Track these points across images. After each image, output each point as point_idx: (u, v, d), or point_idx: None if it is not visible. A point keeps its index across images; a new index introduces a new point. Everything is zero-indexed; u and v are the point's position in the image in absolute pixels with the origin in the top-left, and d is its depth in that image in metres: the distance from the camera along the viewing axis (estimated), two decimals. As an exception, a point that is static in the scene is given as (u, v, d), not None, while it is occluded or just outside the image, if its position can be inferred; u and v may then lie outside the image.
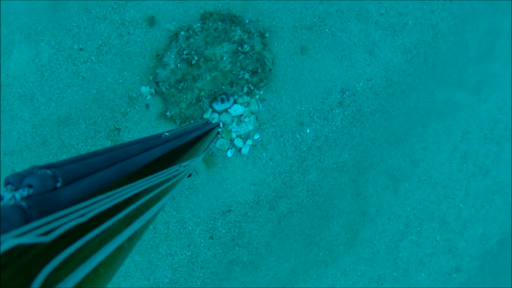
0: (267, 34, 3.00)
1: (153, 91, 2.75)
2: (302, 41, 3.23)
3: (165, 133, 1.11)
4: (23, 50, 2.72)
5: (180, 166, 1.03)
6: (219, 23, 2.71)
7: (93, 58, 2.76)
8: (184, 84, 2.63)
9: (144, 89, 2.74)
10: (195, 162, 1.34)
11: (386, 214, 3.41)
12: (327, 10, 3.33)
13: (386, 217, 3.41)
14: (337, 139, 3.33)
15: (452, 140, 3.64)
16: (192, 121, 2.84)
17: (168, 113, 2.74)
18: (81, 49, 2.75)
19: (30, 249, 0.38)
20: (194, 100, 2.66)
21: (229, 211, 3.11)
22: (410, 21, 3.59)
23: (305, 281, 3.19)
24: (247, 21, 2.87)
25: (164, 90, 2.70)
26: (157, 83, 2.73)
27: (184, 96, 2.65)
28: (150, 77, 2.78)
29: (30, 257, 0.38)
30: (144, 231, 0.73)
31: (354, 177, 3.31)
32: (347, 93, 3.36)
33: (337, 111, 3.34)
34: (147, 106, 2.78)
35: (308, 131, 3.26)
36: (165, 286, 2.91)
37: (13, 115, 2.69)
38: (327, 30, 3.32)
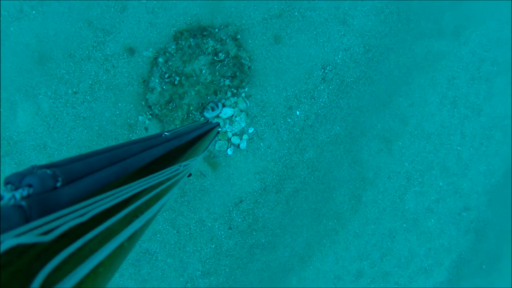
0: (239, 36, 3.38)
1: (149, 116, 3.25)
2: (274, 31, 3.59)
3: (165, 133, 1.17)
4: (25, 107, 3.23)
5: (180, 166, 1.09)
6: (191, 39, 3.13)
7: (88, 97, 3.25)
8: (173, 104, 3.11)
9: (141, 118, 3.24)
10: (195, 162, 1.41)
11: (385, 174, 3.89)
12: (292, -7, 3.65)
13: (385, 177, 3.90)
14: (326, 114, 3.76)
15: (438, 90, 4.01)
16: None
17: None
18: (75, 93, 3.24)
19: (30, 248, 0.40)
20: (186, 115, 3.14)
21: (241, 201, 3.67)
22: (377, -19, 3.87)
23: (320, 250, 3.79)
24: (216, 30, 3.26)
25: (157, 112, 3.18)
26: (149, 107, 3.22)
27: (176, 114, 3.13)
28: (143, 103, 3.26)
29: (30, 257, 0.40)
30: (144, 230, 0.76)
31: (348, 147, 3.78)
32: (328, 68, 3.74)
33: (322, 87, 3.74)
34: (146, 129, 3.29)
35: (298, 113, 3.70)
36: (199, 279, 3.57)
37: (34, 164, 3.25)
38: (296, 13, 3.65)
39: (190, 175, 1.43)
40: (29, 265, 0.39)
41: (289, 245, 3.74)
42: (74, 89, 3.27)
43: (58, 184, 0.56)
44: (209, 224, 3.56)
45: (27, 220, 0.47)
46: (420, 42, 3.96)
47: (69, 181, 0.59)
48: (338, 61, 3.74)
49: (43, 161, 3.28)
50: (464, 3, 4.08)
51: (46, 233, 0.44)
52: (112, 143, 3.27)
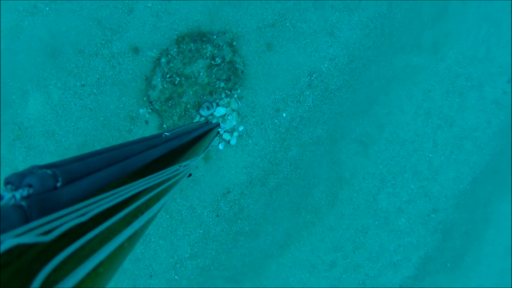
0: (235, 43, 3.78)
1: (150, 110, 3.64)
2: (267, 39, 3.99)
3: (165, 133, 1.19)
4: (36, 96, 3.60)
5: (180, 166, 1.10)
6: (191, 44, 3.52)
7: (95, 90, 3.63)
8: (172, 101, 3.51)
9: (142, 111, 3.63)
10: (195, 162, 1.44)
11: (360, 175, 4.33)
12: (285, 6, 4.04)
13: (361, 177, 4.34)
14: (310, 117, 4.17)
15: (414, 101, 4.45)
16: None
17: (164, 125, 3.64)
18: (83, 85, 3.61)
19: (30, 248, 0.41)
20: (183, 112, 3.54)
21: (229, 192, 4.07)
22: (364, -2, 4.28)
23: (298, 240, 4.23)
24: (215, 37, 3.66)
25: (157, 107, 3.58)
26: (150, 102, 3.61)
27: (175, 111, 3.53)
28: (144, 98, 3.65)
29: (30, 257, 0.41)
30: (144, 230, 0.77)
31: (328, 148, 4.21)
32: (314, 75, 4.15)
33: (307, 92, 4.15)
34: (146, 122, 3.68)
35: (284, 115, 4.10)
36: (187, 260, 3.99)
37: (41, 150, 3.62)
38: (288, 24, 4.05)
39: (190, 175, 1.46)
40: (29, 265, 0.40)
41: (270, 234, 4.17)
42: (82, 82, 3.64)
43: (58, 184, 0.58)
44: (199, 211, 3.97)
45: (27, 220, 0.48)
46: (400, 56, 4.39)
47: (69, 181, 0.60)
48: (323, 69, 4.14)
49: (51, 146, 3.65)
50: (443, 23, 4.52)
51: (46, 233, 0.45)
52: (115, 133, 3.66)
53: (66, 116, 3.65)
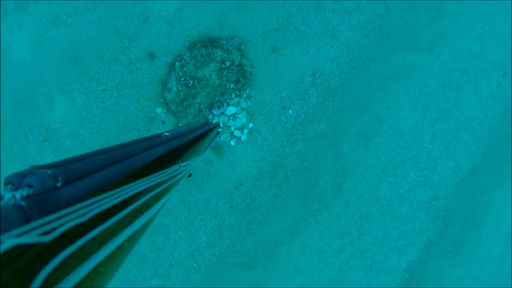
0: (242, 47, 4.08)
1: (166, 110, 3.95)
2: (272, 43, 4.28)
3: (165, 133, 1.19)
4: (61, 101, 3.92)
5: (180, 166, 1.11)
6: (203, 49, 3.82)
7: (115, 94, 3.94)
8: (187, 102, 3.82)
9: (158, 110, 3.95)
10: (195, 162, 1.41)
11: (363, 165, 4.61)
12: (289, 11, 4.32)
13: (363, 168, 4.62)
14: (314, 114, 4.46)
15: (412, 96, 4.71)
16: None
17: (180, 124, 3.95)
18: (104, 90, 3.93)
19: (30, 248, 0.41)
20: (197, 112, 3.85)
21: (241, 185, 4.37)
22: (363, 1, 4.56)
23: (307, 227, 4.52)
24: (224, 42, 3.96)
25: (173, 108, 3.89)
26: (167, 103, 3.92)
27: (189, 111, 3.84)
28: (161, 100, 3.96)
29: (30, 257, 0.41)
30: (144, 230, 0.78)
31: (332, 142, 4.50)
32: (317, 74, 4.43)
33: (311, 91, 4.43)
34: (163, 122, 3.99)
35: (290, 112, 4.39)
36: (204, 249, 4.30)
37: (67, 151, 3.94)
38: (291, 28, 4.34)
39: (190, 175, 1.44)
40: (29, 265, 0.40)
41: (281, 222, 4.47)
42: (103, 87, 3.95)
43: (58, 184, 0.58)
44: (214, 203, 4.27)
45: (27, 220, 0.49)
46: (397, 55, 4.66)
47: (69, 181, 0.61)
48: (326, 69, 4.42)
49: (77, 147, 3.97)
50: (439, 23, 4.77)
51: (46, 233, 0.45)
52: (135, 133, 3.98)
53: (89, 119, 3.97)
